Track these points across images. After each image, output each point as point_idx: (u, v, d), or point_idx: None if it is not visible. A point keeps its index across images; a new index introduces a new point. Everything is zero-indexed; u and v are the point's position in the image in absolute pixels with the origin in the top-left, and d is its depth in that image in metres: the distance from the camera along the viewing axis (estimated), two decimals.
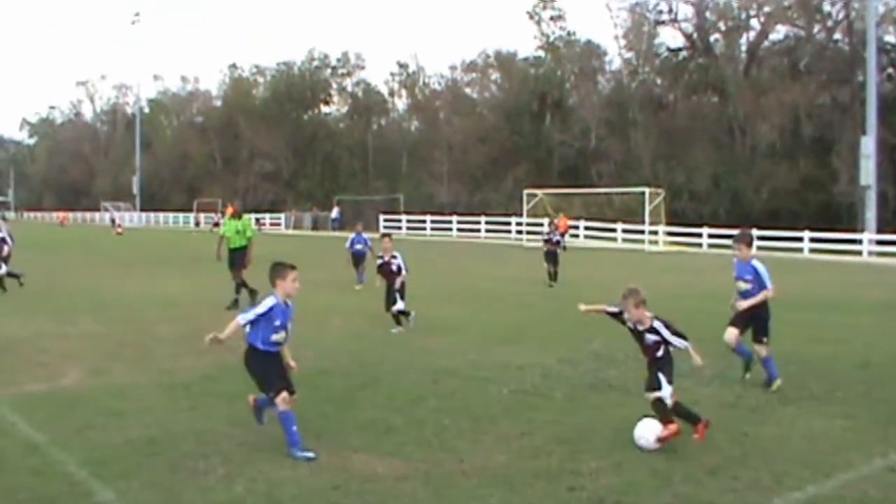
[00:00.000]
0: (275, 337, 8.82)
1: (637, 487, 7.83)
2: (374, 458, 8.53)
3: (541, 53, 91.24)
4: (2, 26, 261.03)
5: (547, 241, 28.77)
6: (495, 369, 13.06)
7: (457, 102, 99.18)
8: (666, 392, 8.92)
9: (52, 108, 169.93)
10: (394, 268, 17.40)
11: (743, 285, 11.89)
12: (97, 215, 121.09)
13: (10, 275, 25.21)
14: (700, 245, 53.60)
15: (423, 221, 74.37)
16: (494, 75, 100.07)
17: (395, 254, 17.60)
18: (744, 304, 11.85)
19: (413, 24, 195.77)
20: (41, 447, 9.03)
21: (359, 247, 26.94)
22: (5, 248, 25.12)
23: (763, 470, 8.27)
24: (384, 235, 18.82)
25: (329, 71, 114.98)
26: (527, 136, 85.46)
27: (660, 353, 9.11)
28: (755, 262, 11.83)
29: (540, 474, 8.15)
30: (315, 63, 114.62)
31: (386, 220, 77.01)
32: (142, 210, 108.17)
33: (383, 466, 8.31)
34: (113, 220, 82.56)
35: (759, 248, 50.52)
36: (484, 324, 18.55)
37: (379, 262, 18.00)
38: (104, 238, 65.83)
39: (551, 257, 28.04)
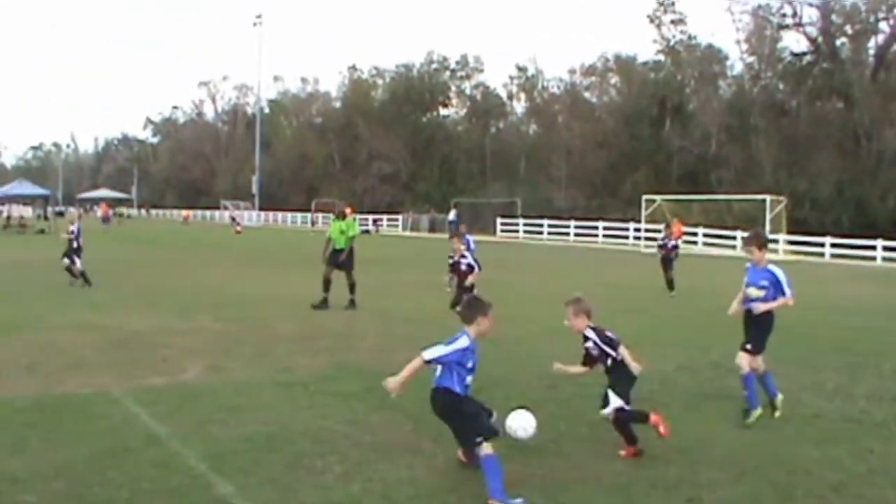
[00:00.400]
0: (469, 379, 7.96)
1: (757, 500, 7.67)
2: None
3: (661, 57, 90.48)
4: (128, 28, 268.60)
5: (661, 247, 28.24)
6: None
7: (575, 106, 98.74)
8: (611, 407, 8.74)
9: (174, 108, 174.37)
10: (463, 267, 17.47)
11: (755, 292, 10.55)
12: (217, 213, 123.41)
13: (74, 272, 25.67)
14: (822, 255, 52.24)
15: (541, 226, 74.03)
16: (614, 79, 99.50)
17: (465, 253, 17.65)
18: (761, 307, 10.48)
19: (532, 27, 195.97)
20: (163, 439, 9.24)
21: None
22: (76, 243, 25.74)
23: (890, 489, 8.01)
24: (452, 235, 18.78)
25: (448, 73, 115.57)
26: (646, 140, 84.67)
27: (609, 363, 8.94)
28: (773, 267, 10.58)
29: (657, 484, 8.04)
30: (434, 65, 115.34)
31: (503, 224, 77.05)
32: (261, 209, 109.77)
33: None
34: (233, 219, 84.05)
35: (885, 258, 49.29)
36: None
37: (450, 261, 18.04)
38: (224, 236, 67.06)
39: (666, 263, 27.50)
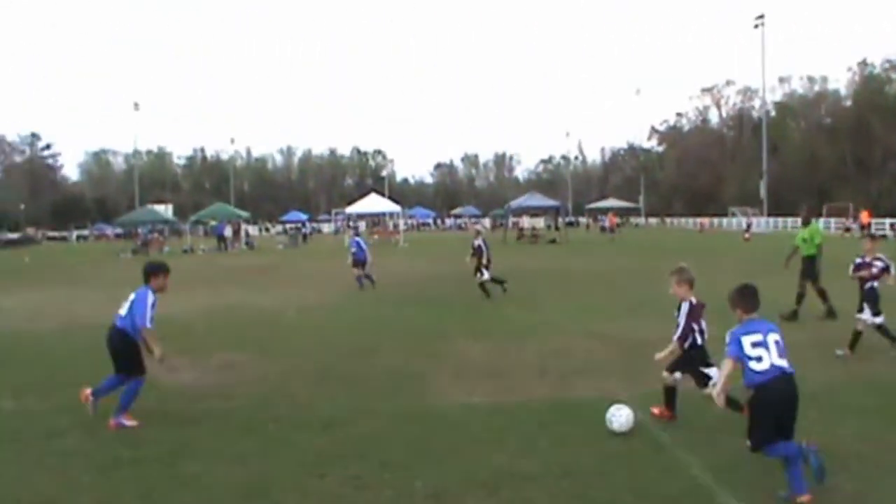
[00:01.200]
0: None
1: None
2: None
3: None
4: (620, 41, 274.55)
5: None
6: None
7: None
8: (711, 384, 9.38)
9: (678, 115, 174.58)
10: (874, 270, 15.63)
11: None
12: (724, 220, 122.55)
13: (495, 280, 25.53)
14: None
15: None
16: None
17: (880, 255, 15.80)
18: None
19: None
20: (667, 446, 9.41)
21: None
22: (484, 256, 25.45)
23: None
24: (867, 235, 17.00)
25: None
26: None
27: (691, 341, 10.22)
28: None
29: None
30: None
31: None
32: (769, 215, 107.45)
33: None
34: (748, 226, 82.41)
35: None
36: None
37: (857, 261, 16.20)
38: (732, 243, 66.34)
39: None
